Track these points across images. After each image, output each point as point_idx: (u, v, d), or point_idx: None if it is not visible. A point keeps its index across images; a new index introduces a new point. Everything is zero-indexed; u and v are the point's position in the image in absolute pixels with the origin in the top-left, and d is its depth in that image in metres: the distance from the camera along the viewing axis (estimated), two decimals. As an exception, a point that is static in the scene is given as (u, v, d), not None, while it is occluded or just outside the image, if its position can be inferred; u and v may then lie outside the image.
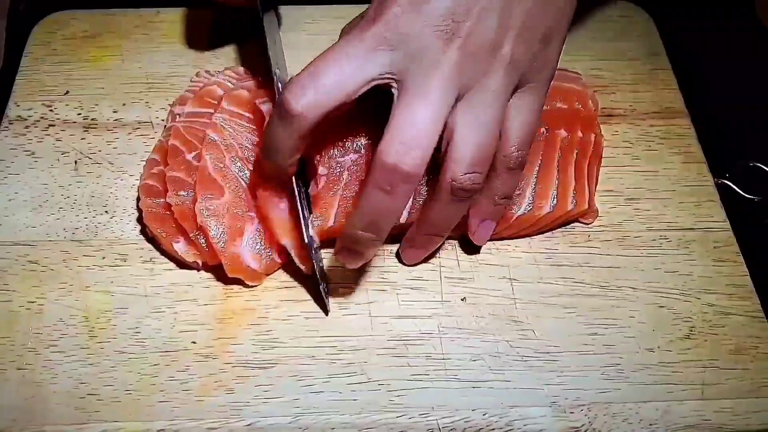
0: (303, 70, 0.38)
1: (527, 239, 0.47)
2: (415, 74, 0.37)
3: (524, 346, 0.43)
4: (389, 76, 0.38)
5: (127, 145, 0.50)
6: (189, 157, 0.46)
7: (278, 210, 0.44)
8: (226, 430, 0.40)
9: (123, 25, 0.56)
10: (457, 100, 0.38)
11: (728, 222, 0.48)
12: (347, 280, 0.45)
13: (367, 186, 0.38)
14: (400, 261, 0.46)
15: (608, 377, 0.42)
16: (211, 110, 0.48)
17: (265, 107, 0.46)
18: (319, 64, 0.38)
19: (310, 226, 0.43)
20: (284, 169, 0.41)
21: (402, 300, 0.44)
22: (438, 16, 0.37)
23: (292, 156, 0.40)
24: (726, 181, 0.51)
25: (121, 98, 0.52)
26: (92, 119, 0.51)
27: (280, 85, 0.45)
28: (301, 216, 0.43)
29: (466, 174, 0.38)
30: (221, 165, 0.46)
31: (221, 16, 0.57)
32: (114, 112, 0.52)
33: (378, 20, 0.37)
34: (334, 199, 0.44)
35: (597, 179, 0.48)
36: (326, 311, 0.44)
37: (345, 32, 0.45)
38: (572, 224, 0.48)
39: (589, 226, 0.48)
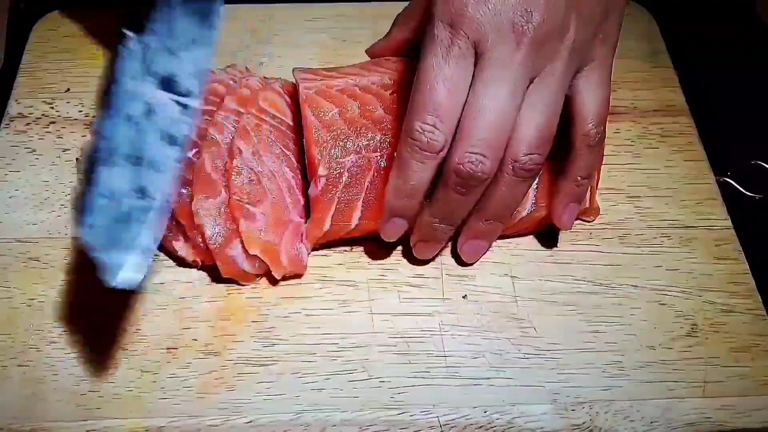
0: (417, 104, 0.39)
1: (528, 237, 0.47)
2: (488, 74, 0.38)
3: (525, 343, 0.43)
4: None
5: (128, 142, 0.50)
6: (189, 154, 0.46)
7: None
8: (227, 427, 0.40)
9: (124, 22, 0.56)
10: (529, 86, 0.39)
11: (729, 220, 0.48)
12: (348, 278, 0.45)
13: (441, 187, 0.40)
14: (459, 261, 0.45)
15: (609, 375, 0.42)
16: (213, 108, 0.48)
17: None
18: (430, 94, 0.38)
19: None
20: (417, 206, 0.42)
21: (403, 297, 0.44)
22: (512, 8, 0.37)
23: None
24: (727, 179, 0.51)
25: (122, 96, 0.52)
26: (93, 117, 0.51)
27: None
28: None
29: (528, 155, 0.39)
30: (220, 163, 0.45)
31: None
32: (115, 109, 0.52)
33: (458, 23, 0.38)
34: (332, 203, 0.44)
35: (598, 177, 0.48)
36: None
37: (400, 23, 0.48)
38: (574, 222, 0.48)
39: (591, 223, 0.48)
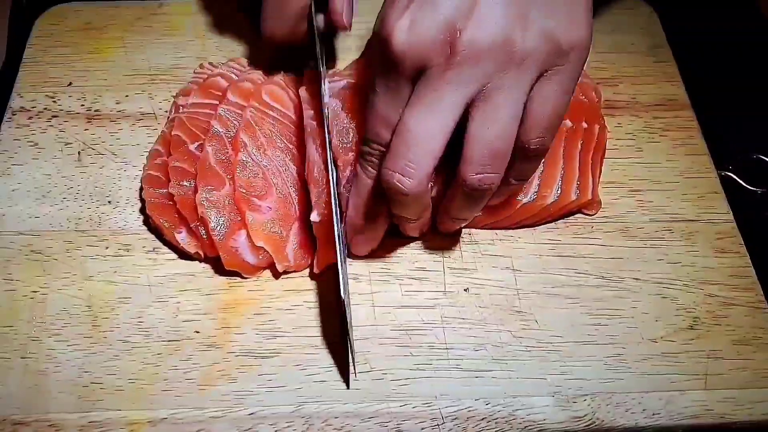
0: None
1: (530, 230, 0.47)
2: (417, 95, 0.37)
3: (527, 336, 0.43)
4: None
5: (130, 136, 0.50)
6: (192, 147, 0.46)
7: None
8: (229, 419, 0.40)
9: (126, 16, 0.56)
10: (473, 101, 0.37)
11: (731, 213, 0.48)
12: (350, 270, 0.45)
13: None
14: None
15: (611, 367, 0.42)
16: (215, 101, 0.48)
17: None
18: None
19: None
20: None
21: (405, 290, 0.44)
22: (437, 29, 0.36)
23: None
24: (729, 173, 0.51)
25: (124, 89, 0.52)
26: (95, 110, 0.51)
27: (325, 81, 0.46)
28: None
29: (476, 174, 0.38)
30: (223, 156, 0.46)
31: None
32: (117, 103, 0.52)
33: (390, 54, 0.37)
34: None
35: (600, 170, 0.48)
36: (352, 376, 0.42)
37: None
38: (575, 215, 0.48)
39: (593, 217, 0.48)
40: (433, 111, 0.37)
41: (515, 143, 0.38)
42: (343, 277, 0.40)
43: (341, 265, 0.40)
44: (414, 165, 0.38)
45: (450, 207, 0.42)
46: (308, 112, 0.46)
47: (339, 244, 0.41)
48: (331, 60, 0.55)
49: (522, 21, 0.37)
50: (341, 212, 0.43)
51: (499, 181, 0.39)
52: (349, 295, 0.43)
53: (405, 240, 0.46)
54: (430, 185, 0.40)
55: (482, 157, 0.38)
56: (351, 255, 0.45)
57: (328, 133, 0.44)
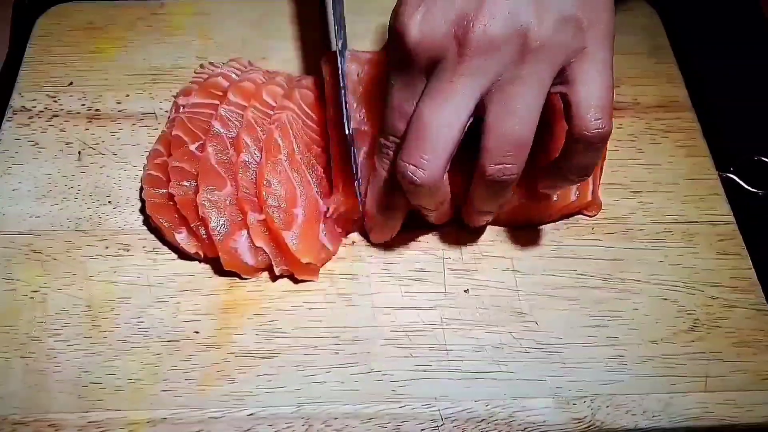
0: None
1: (531, 231, 0.47)
2: (430, 87, 0.38)
3: (527, 337, 0.43)
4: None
5: (130, 136, 0.50)
6: (192, 147, 0.46)
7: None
8: (229, 419, 0.40)
9: (127, 16, 0.56)
10: (489, 93, 0.38)
11: (732, 215, 0.48)
12: (350, 271, 0.45)
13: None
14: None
15: (611, 369, 0.42)
16: (216, 101, 0.48)
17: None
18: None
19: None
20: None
21: (405, 291, 0.44)
22: (450, 21, 0.37)
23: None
24: (730, 175, 0.51)
25: (125, 89, 0.52)
26: (96, 110, 0.51)
27: (341, 59, 0.47)
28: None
29: (496, 165, 0.38)
30: (224, 157, 0.46)
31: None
32: (118, 103, 0.52)
33: (403, 46, 0.38)
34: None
35: (601, 172, 0.48)
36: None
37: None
38: (576, 217, 0.48)
39: (593, 218, 0.48)
40: (446, 103, 0.37)
41: (572, 134, 0.38)
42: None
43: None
44: (428, 157, 0.38)
45: (473, 199, 0.42)
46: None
47: None
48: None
49: (537, 8, 0.37)
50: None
51: (519, 172, 0.39)
52: None
53: (405, 240, 0.46)
54: (445, 177, 0.40)
55: (500, 149, 0.38)
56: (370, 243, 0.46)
57: (347, 118, 0.45)
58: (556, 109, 0.45)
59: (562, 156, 0.40)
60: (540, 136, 0.39)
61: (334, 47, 0.46)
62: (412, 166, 0.38)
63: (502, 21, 0.36)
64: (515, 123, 0.37)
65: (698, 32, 0.60)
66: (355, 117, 0.46)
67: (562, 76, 0.38)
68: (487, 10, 0.36)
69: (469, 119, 0.38)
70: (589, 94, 0.37)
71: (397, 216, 0.44)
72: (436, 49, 0.37)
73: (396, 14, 0.38)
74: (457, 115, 0.38)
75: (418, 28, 0.37)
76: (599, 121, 0.37)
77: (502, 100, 0.37)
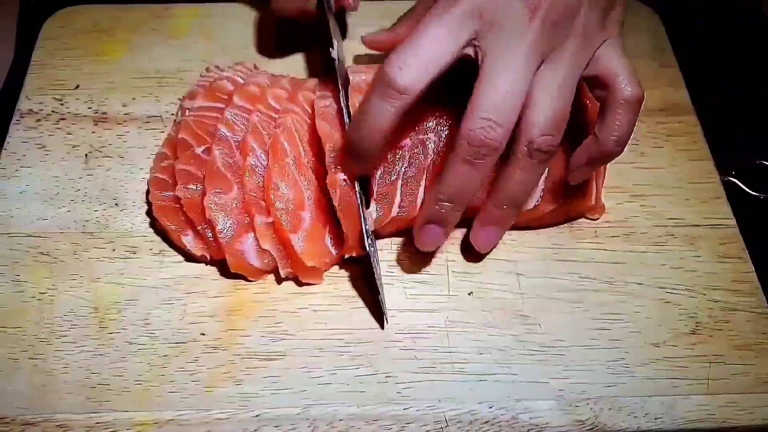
0: (400, 45, 0.39)
1: (534, 234, 0.47)
2: (501, 45, 0.39)
3: (530, 340, 0.43)
4: (476, 45, 0.39)
5: (137, 138, 0.50)
6: (198, 150, 0.47)
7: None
8: (235, 421, 0.40)
9: (132, 19, 0.57)
10: (538, 67, 0.39)
11: (734, 219, 0.49)
12: (355, 273, 0.45)
13: (451, 160, 0.39)
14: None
15: (614, 371, 0.42)
16: (221, 105, 0.49)
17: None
18: (416, 37, 0.39)
19: (369, 218, 0.43)
20: (375, 150, 0.41)
21: (409, 293, 0.45)
22: None
23: (387, 134, 0.40)
24: (732, 179, 0.51)
25: (131, 92, 0.53)
26: (103, 113, 0.52)
27: (339, 68, 0.46)
28: (360, 206, 0.43)
29: (542, 136, 0.39)
30: (230, 160, 0.46)
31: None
32: (124, 106, 0.52)
33: None
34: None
35: (604, 175, 0.49)
36: (384, 321, 0.43)
37: (405, 20, 0.49)
38: (579, 220, 0.48)
39: (596, 221, 0.48)
40: (519, 63, 0.39)
41: (613, 100, 0.41)
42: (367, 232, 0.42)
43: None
44: (503, 114, 0.38)
45: (505, 187, 0.41)
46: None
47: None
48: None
49: None
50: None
51: (558, 145, 0.40)
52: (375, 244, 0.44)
53: (409, 243, 0.46)
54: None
55: (546, 121, 0.39)
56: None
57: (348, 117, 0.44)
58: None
59: (600, 125, 0.41)
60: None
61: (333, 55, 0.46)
62: (489, 122, 0.38)
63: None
64: (560, 99, 0.39)
65: (700, 35, 0.60)
66: None
67: (590, 59, 0.41)
68: None
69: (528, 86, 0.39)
70: (621, 66, 0.41)
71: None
72: (507, 6, 0.38)
73: None
74: (525, 80, 0.39)
75: None
76: (634, 84, 0.41)
77: (552, 77, 0.39)
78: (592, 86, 0.43)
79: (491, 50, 0.39)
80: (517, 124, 0.39)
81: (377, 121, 0.39)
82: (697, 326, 0.44)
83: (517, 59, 0.38)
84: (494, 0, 0.38)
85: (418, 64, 0.38)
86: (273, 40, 0.56)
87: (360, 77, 0.47)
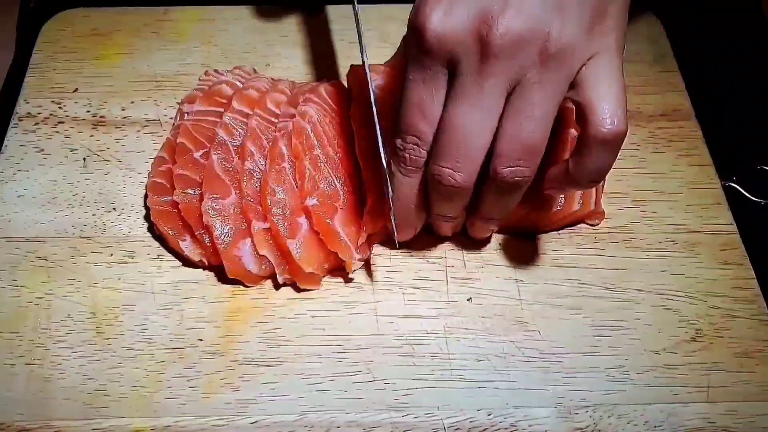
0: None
1: (533, 240, 0.47)
2: (460, 86, 0.37)
3: (530, 346, 0.43)
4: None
5: (135, 142, 0.50)
6: (197, 155, 0.46)
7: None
8: (232, 427, 0.40)
9: (132, 23, 0.57)
10: (509, 95, 0.38)
11: (735, 225, 0.48)
12: (353, 279, 0.45)
13: (430, 194, 0.41)
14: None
15: (614, 379, 0.42)
16: (220, 109, 0.49)
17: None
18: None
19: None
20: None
21: (408, 300, 0.45)
22: (473, 17, 0.36)
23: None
24: (733, 184, 0.51)
25: (130, 96, 0.53)
26: (101, 117, 0.51)
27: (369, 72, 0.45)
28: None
29: (508, 167, 0.38)
30: (229, 165, 0.46)
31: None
32: (123, 109, 0.52)
33: (424, 44, 0.37)
34: None
35: (604, 181, 0.48)
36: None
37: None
38: (579, 226, 0.48)
39: (596, 227, 0.48)
40: (478, 106, 0.37)
41: (586, 135, 0.38)
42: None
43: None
44: (463, 161, 0.38)
45: (483, 204, 0.42)
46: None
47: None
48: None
49: (559, 11, 0.36)
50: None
51: (532, 176, 0.39)
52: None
53: (408, 248, 0.46)
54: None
55: (515, 152, 0.38)
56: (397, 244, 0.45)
57: (378, 121, 0.43)
58: (563, 116, 0.46)
59: (575, 160, 0.39)
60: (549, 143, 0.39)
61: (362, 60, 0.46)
62: (448, 170, 0.38)
63: (526, 21, 0.36)
64: (532, 128, 0.37)
65: (702, 41, 0.60)
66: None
67: (573, 80, 0.38)
68: (511, 7, 0.36)
69: (498, 120, 0.38)
70: (603, 94, 0.37)
71: (418, 218, 0.44)
72: (459, 44, 0.36)
73: (417, 8, 0.37)
74: (490, 117, 0.38)
75: (439, 22, 0.36)
76: (615, 119, 0.37)
77: (521, 105, 0.37)
78: (576, 114, 0.39)
79: (449, 96, 0.38)
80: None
81: (410, 192, 0.42)
82: (697, 333, 0.44)
83: (472, 103, 0.37)
84: (449, 45, 0.36)
85: (421, 137, 0.39)
86: (272, 45, 0.56)
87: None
